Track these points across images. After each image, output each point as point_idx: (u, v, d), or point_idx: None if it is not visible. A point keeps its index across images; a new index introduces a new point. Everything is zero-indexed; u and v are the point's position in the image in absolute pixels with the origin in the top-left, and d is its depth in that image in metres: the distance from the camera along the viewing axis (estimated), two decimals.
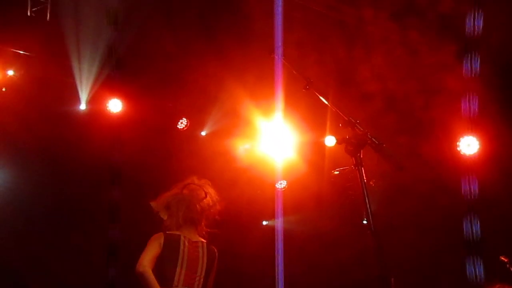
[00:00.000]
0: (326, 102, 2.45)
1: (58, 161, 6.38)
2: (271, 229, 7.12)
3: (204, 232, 3.49)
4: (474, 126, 5.85)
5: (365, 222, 6.78)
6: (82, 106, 6.56)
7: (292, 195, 7.32)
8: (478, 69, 5.50)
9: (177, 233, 3.37)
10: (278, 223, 6.39)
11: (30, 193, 6.38)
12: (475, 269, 6.16)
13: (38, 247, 6.44)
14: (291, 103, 6.01)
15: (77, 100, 6.50)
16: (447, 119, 6.00)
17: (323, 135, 7.27)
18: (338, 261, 7.08)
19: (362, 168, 2.02)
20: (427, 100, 5.91)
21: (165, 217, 3.48)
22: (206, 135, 7.50)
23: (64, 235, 6.54)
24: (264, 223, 8.28)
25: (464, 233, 6.14)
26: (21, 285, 6.29)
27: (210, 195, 3.57)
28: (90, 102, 6.60)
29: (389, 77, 5.46)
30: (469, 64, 5.50)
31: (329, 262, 7.32)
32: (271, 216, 7.33)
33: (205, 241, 3.47)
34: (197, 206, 3.46)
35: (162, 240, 3.31)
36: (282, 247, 5.86)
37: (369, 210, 1.95)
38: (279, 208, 6.69)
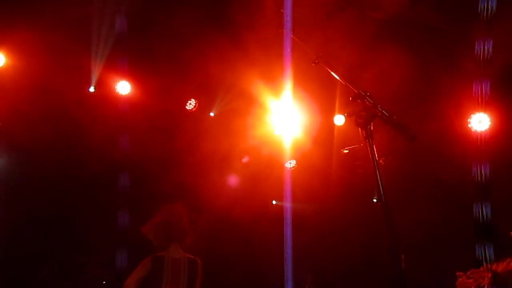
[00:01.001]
0: (336, 76, 2.43)
1: (67, 143, 6.41)
2: (281, 208, 7.15)
3: (192, 247, 4.35)
4: (485, 103, 5.79)
5: (375, 200, 6.82)
6: (91, 89, 6.58)
7: (301, 174, 7.33)
8: (491, 48, 5.43)
9: (163, 254, 4.25)
10: (287, 202, 6.41)
11: (39, 177, 6.43)
12: (485, 250, 6.15)
13: (47, 231, 6.53)
14: (300, 82, 5.97)
15: (86, 82, 6.52)
16: (458, 96, 5.95)
17: (332, 114, 7.25)
18: (347, 238, 7.12)
19: (372, 141, 2.01)
20: (439, 78, 5.86)
21: (153, 241, 4.31)
22: (214, 115, 7.49)
23: (72, 220, 6.61)
24: (274, 202, 8.31)
25: (474, 211, 6.13)
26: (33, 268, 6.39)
27: (184, 217, 4.43)
28: (98, 84, 6.61)
29: (401, 54, 5.39)
30: (482, 43, 5.43)
31: (337, 240, 7.36)
32: (280, 195, 7.35)
33: (188, 256, 4.31)
34: (176, 228, 4.33)
35: (149, 263, 4.17)
36: (291, 226, 5.90)
37: (379, 183, 1.94)
38: (287, 187, 6.71)
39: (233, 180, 7.22)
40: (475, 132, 5.90)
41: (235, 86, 6.99)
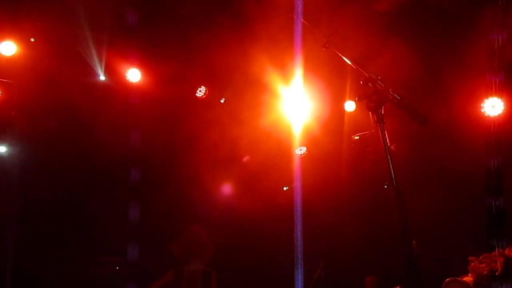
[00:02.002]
0: (346, 60, 2.41)
1: (78, 133, 6.46)
2: (291, 195, 7.15)
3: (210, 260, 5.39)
4: (499, 87, 5.71)
5: (386, 186, 6.74)
6: (102, 77, 6.59)
7: (311, 161, 7.32)
8: (506, 32, 5.34)
9: (183, 267, 5.29)
10: (297, 188, 6.41)
11: (51, 165, 6.49)
12: (497, 236, 6.11)
13: (60, 219, 6.62)
14: (311, 68, 5.93)
15: (96, 71, 6.53)
16: (471, 80, 5.87)
17: (343, 100, 7.20)
18: (358, 224, 7.12)
19: (384, 125, 1.99)
20: (452, 62, 5.78)
21: (178, 256, 5.33)
22: (225, 102, 7.48)
23: (85, 207, 6.67)
24: (285, 188, 8.33)
25: (486, 198, 6.07)
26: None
27: (203, 236, 5.44)
28: (109, 72, 6.63)
29: (414, 38, 5.33)
30: (497, 27, 5.34)
31: (348, 225, 7.36)
32: (291, 182, 7.35)
33: (204, 269, 5.35)
34: (196, 245, 5.31)
35: (171, 275, 5.24)
36: (301, 212, 5.90)
37: (390, 167, 1.94)
38: (298, 174, 6.70)
39: (227, 188, 7.31)
40: (488, 117, 5.83)
41: (245, 72, 6.96)
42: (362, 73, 2.09)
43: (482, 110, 5.79)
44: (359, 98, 2.08)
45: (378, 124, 1.99)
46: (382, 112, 2.00)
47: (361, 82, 2.07)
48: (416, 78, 5.74)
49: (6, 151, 6.31)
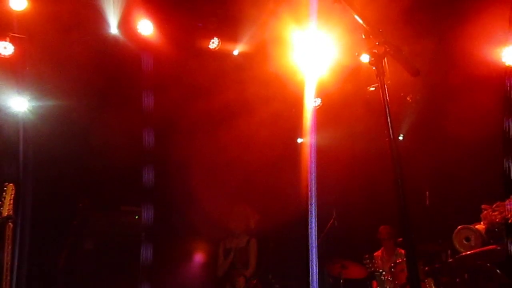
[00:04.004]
0: (354, 14, 2.34)
1: (92, 86, 6.50)
2: (306, 147, 7.18)
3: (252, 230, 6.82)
4: None
5: (400, 138, 6.74)
6: (113, 30, 6.55)
7: (326, 112, 7.29)
8: None
9: (230, 239, 6.82)
10: (312, 140, 6.43)
11: (67, 120, 6.59)
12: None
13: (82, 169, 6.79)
14: (327, 19, 5.78)
15: (108, 24, 6.48)
16: (491, 27, 5.66)
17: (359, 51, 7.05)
18: (371, 175, 7.15)
19: (384, 78, 1.98)
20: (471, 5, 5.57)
21: (230, 228, 6.84)
22: (238, 54, 7.39)
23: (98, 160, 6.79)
24: (299, 140, 8.36)
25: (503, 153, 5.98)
26: None
27: (248, 211, 6.95)
28: (121, 25, 6.57)
29: None
30: None
31: (362, 176, 7.41)
32: (306, 134, 7.36)
33: (247, 238, 6.76)
34: (241, 219, 6.82)
35: (222, 248, 6.84)
36: (315, 164, 5.95)
37: (388, 120, 1.94)
38: (312, 126, 6.70)
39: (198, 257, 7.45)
40: (509, 66, 5.66)
41: (260, 24, 6.83)
42: (363, 26, 2.05)
43: (503, 60, 5.61)
44: (359, 54, 2.06)
45: (378, 78, 1.97)
46: (384, 66, 1.98)
47: (363, 36, 2.04)
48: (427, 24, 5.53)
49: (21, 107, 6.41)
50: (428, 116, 7.03)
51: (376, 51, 1.97)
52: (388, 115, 1.96)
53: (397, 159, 1.95)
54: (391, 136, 1.98)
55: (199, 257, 7.44)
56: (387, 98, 1.98)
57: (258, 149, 7.13)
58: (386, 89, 1.97)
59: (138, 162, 6.99)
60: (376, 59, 1.97)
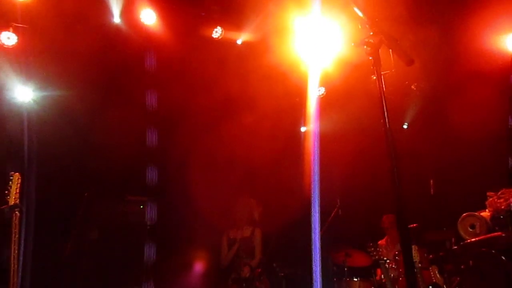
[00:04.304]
0: (351, 4, 2.32)
1: (94, 75, 6.51)
2: (309, 136, 7.18)
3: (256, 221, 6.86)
4: None
5: (405, 126, 6.70)
6: (116, 19, 6.54)
7: (330, 101, 7.26)
8: None
9: (234, 231, 6.88)
10: (315, 129, 6.42)
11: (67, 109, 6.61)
12: None
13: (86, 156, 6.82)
14: (330, 7, 5.73)
15: (111, 13, 6.47)
16: (496, 14, 5.59)
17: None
18: (376, 164, 7.11)
19: (380, 68, 1.97)
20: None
21: (234, 220, 6.88)
22: (242, 43, 7.35)
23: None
24: (303, 129, 8.35)
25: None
26: None
27: (252, 204, 7.00)
28: (123, 14, 6.56)
29: None
30: None
31: (366, 165, 7.39)
32: (310, 123, 7.35)
33: (251, 228, 6.81)
34: (244, 212, 6.86)
35: (226, 240, 6.86)
36: (319, 154, 5.94)
37: (385, 109, 1.94)
38: (316, 115, 6.69)
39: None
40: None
41: (263, 13, 6.79)
42: (359, 17, 2.03)
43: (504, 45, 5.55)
44: (356, 44, 2.05)
45: (374, 68, 1.96)
46: (379, 55, 1.97)
47: (359, 26, 2.02)
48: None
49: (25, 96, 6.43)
50: (433, 104, 6.98)
51: (372, 41, 1.96)
52: (384, 104, 1.96)
53: (393, 148, 1.94)
54: (387, 126, 1.96)
55: (199, 267, 7.47)
56: (384, 87, 1.97)
57: (261, 139, 7.12)
58: (383, 79, 1.96)
59: (142, 152, 7.01)
60: (372, 49, 1.96)
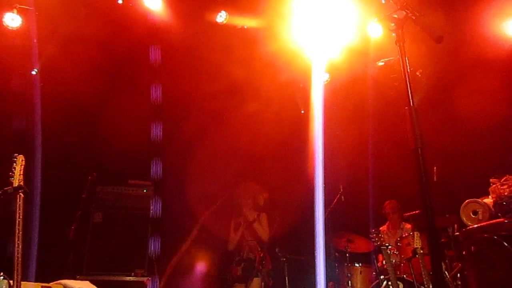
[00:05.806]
0: None
1: (99, 56, 6.47)
2: (313, 122, 7.17)
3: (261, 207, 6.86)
4: None
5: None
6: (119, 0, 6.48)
7: (334, 86, 7.25)
8: None
9: (241, 216, 6.87)
10: (320, 116, 6.43)
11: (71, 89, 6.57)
12: None
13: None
14: None
15: None
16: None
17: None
18: (380, 149, 7.15)
19: (404, 44, 1.95)
20: None
21: (240, 206, 6.88)
22: (247, 29, 7.30)
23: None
24: (307, 116, 8.32)
25: None
26: None
27: (255, 190, 6.97)
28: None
29: None
30: None
31: (370, 149, 7.39)
32: (314, 109, 7.33)
33: (257, 213, 6.79)
34: (247, 197, 6.85)
35: (233, 224, 6.91)
36: (323, 137, 5.96)
37: (408, 86, 1.93)
38: (320, 99, 6.69)
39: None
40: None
41: None
42: None
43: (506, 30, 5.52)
44: (380, 19, 2.04)
45: (398, 44, 1.95)
46: (403, 32, 1.95)
47: (383, 1, 2.01)
48: None
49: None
50: (438, 91, 6.97)
51: (397, 16, 1.94)
52: (408, 83, 1.94)
53: (417, 127, 1.92)
54: (411, 104, 1.95)
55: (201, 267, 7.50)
56: (408, 67, 1.95)
57: (266, 125, 7.12)
58: (407, 58, 1.95)
59: (147, 138, 7.01)
60: (397, 25, 1.94)
